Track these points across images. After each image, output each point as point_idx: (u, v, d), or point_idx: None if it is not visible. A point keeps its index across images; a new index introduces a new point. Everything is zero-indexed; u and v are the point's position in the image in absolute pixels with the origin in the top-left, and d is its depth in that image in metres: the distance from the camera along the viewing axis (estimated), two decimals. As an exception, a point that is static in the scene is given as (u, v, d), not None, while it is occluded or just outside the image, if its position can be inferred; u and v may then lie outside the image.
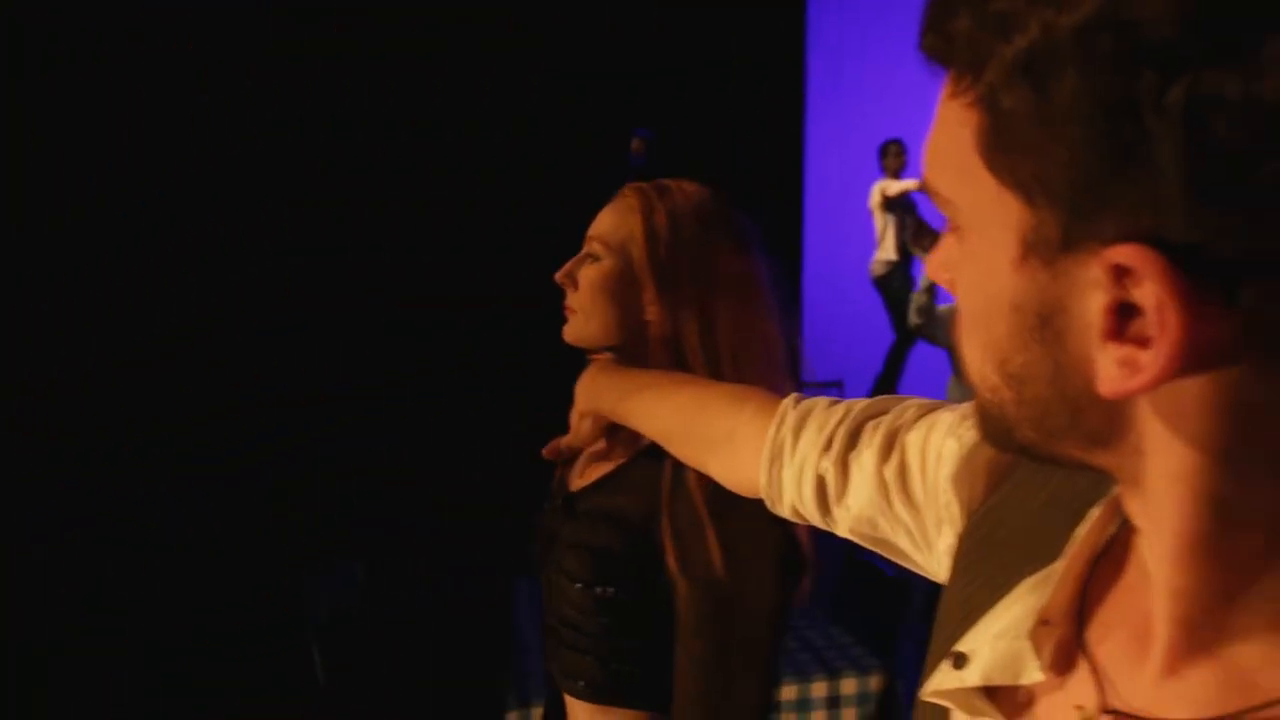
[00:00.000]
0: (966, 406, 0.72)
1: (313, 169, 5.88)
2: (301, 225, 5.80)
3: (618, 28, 7.11)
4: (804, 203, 8.21)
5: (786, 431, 0.87)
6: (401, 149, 6.25)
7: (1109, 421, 0.44)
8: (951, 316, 2.38)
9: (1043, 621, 0.52)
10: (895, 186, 6.65)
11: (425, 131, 6.34)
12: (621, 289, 1.23)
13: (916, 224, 6.53)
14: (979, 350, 0.47)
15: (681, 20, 7.36)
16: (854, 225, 7.03)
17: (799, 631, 2.53)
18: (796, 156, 8.17)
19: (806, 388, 1.17)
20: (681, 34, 7.37)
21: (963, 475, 0.69)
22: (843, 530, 0.83)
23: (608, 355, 1.27)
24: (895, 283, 6.70)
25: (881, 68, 7.73)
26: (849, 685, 2.26)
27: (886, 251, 6.75)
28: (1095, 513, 0.54)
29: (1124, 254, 0.38)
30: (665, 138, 6.95)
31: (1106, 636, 0.50)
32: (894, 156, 6.72)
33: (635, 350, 1.24)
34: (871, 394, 0.88)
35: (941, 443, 0.72)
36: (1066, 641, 0.51)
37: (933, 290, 4.99)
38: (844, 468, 0.81)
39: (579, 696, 1.25)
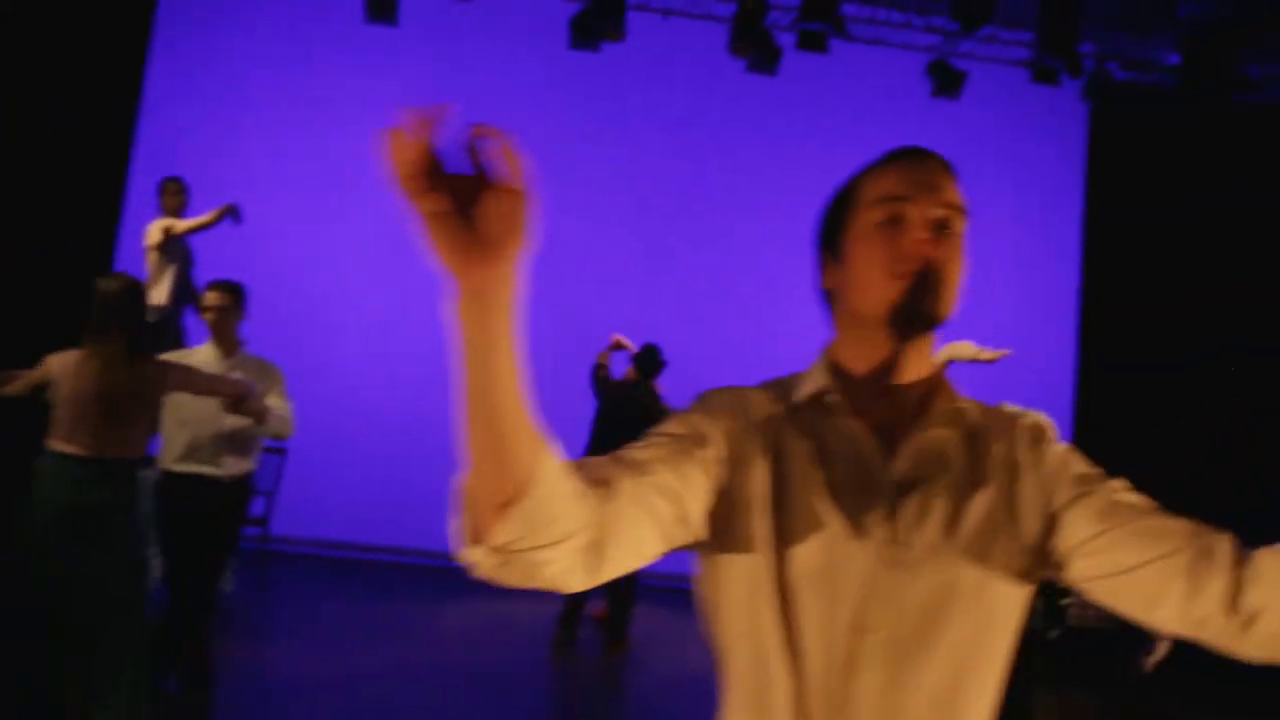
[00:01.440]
0: None
1: None
2: None
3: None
4: (120, 231, 7.69)
5: None
6: None
7: None
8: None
9: None
10: (182, 225, 5.97)
11: None
12: None
13: (185, 280, 6.02)
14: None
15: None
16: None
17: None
18: (119, 184, 7.69)
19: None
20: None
21: None
22: None
23: None
24: (170, 330, 5.93)
25: (222, 93, 7.71)
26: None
27: (159, 295, 5.90)
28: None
29: None
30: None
31: None
32: (172, 195, 6.06)
33: None
34: None
35: None
36: None
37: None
38: None
39: None
